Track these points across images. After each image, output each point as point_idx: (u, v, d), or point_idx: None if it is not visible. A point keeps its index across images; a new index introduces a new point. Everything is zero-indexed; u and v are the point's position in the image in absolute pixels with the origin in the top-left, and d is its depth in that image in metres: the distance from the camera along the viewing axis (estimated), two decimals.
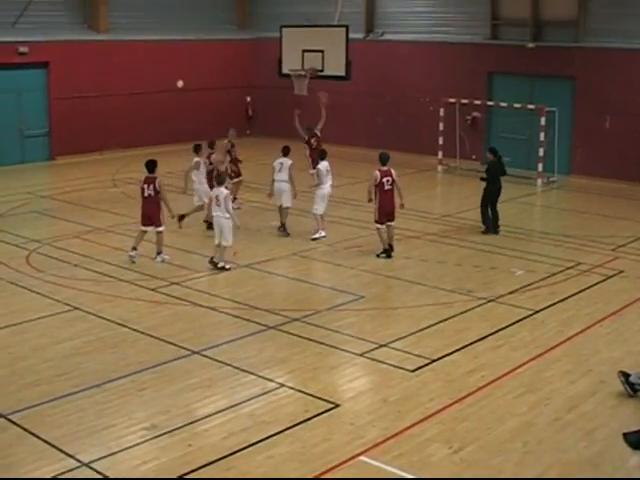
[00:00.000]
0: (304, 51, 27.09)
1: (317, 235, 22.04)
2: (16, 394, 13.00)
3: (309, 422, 12.07)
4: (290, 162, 22.36)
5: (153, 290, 17.96)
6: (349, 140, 34.24)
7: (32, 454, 11.22)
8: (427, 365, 14.12)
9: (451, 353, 14.63)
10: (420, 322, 16.09)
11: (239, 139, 25.87)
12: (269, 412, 12.39)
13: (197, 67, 37.26)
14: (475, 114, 32.64)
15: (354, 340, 15.17)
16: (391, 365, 14.07)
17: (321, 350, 14.77)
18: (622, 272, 19.45)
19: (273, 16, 37.15)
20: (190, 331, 15.62)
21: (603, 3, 29.83)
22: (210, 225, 21.98)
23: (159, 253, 19.99)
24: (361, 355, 14.52)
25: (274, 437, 11.62)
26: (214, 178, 20.40)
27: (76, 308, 16.79)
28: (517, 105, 30.50)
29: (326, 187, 22.09)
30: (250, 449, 11.31)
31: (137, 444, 11.47)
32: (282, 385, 13.32)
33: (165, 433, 11.74)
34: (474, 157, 30.65)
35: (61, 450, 11.26)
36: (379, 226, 20.39)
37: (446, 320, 16.25)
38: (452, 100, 31.91)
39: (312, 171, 23.30)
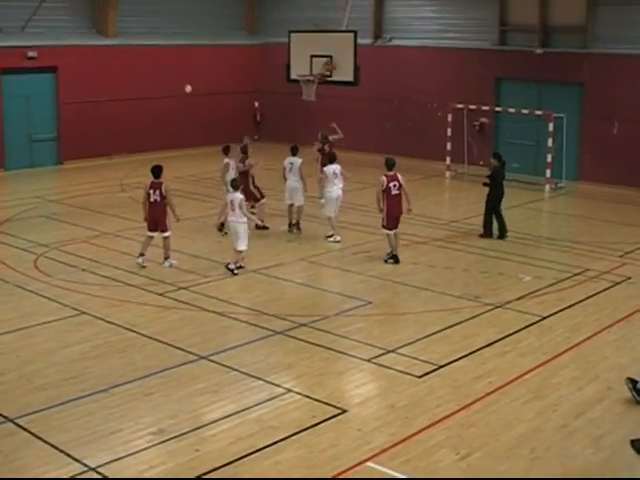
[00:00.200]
0: (312, 56, 27.09)
1: (331, 238, 22.23)
2: (24, 398, 13.01)
3: (316, 428, 12.06)
4: (300, 161, 22.86)
5: (161, 295, 17.97)
6: (357, 145, 34.22)
7: (39, 458, 11.22)
8: (434, 371, 14.10)
9: (458, 359, 14.62)
10: (427, 328, 16.08)
11: (252, 144, 25.85)
12: (276, 417, 12.39)
13: (205, 72, 37.27)
14: (483, 120, 32.61)
15: (362, 346, 15.17)
16: (398, 371, 14.06)
17: (328, 355, 14.77)
18: (630, 278, 19.42)
19: (281, 21, 37.17)
20: (198, 336, 15.63)
21: (611, 9, 29.81)
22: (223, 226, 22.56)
23: (167, 258, 20.00)
24: (368, 361, 14.51)
25: (281, 442, 11.61)
26: (229, 183, 20.35)
27: (84, 312, 16.82)
28: (525, 111, 30.49)
29: (334, 190, 22.13)
30: (257, 454, 11.30)
31: (144, 449, 11.47)
32: (289, 390, 13.32)
33: (172, 438, 11.74)
34: (482, 163, 30.55)
35: (68, 454, 11.26)
36: (388, 232, 20.37)
37: (453, 326, 16.24)
38: (460, 106, 31.91)
39: (321, 175, 23.36)
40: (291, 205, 23.22)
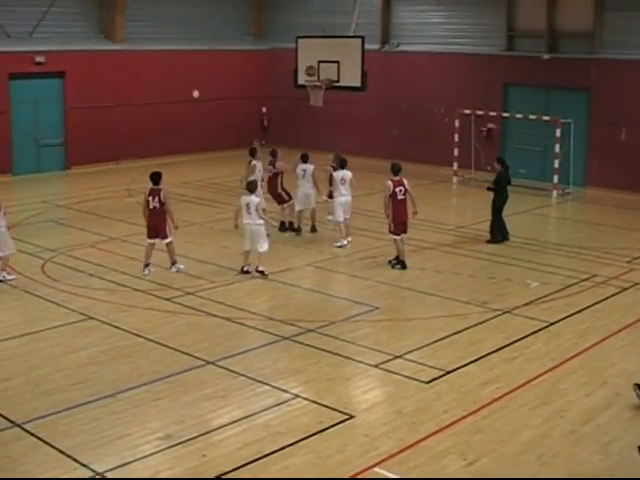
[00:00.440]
0: (320, 62, 27.11)
1: (339, 243, 22.25)
2: (31, 403, 13.01)
3: (324, 433, 12.04)
4: (313, 167, 23.24)
5: (168, 300, 17.97)
6: (364, 151, 34.24)
7: (46, 463, 11.21)
8: (442, 377, 14.08)
9: (466, 365, 14.59)
10: (435, 333, 16.05)
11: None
12: (283, 423, 12.37)
13: (213, 77, 37.34)
14: (490, 125, 32.60)
15: (369, 351, 15.15)
16: (406, 376, 14.04)
17: (336, 361, 14.75)
18: (637, 284, 19.38)
19: (289, 27, 37.23)
20: (205, 341, 15.62)
21: (619, 15, 29.79)
22: (283, 226, 23.28)
23: (173, 263, 19.98)
24: (376, 366, 14.49)
25: (288, 448, 11.59)
26: (246, 186, 20.33)
27: (91, 317, 16.82)
28: (532, 116, 30.48)
29: (340, 196, 22.22)
30: (264, 460, 11.28)
31: (151, 454, 11.46)
32: (297, 396, 13.30)
33: (179, 443, 11.72)
34: (489, 168, 30.46)
35: (75, 459, 11.25)
36: (395, 237, 20.36)
37: (461, 332, 16.21)
38: (467, 111, 31.90)
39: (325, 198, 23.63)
40: (301, 211, 23.45)
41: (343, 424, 12.36)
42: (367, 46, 27.14)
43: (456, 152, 32.12)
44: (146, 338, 15.74)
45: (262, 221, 19.48)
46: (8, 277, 19.16)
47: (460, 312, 17.36)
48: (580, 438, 12.04)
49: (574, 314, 17.32)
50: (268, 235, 21.08)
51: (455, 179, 32.05)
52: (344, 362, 14.73)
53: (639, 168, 29.52)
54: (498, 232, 22.84)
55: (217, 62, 37.66)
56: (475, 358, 14.87)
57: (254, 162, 23.27)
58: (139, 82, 35.26)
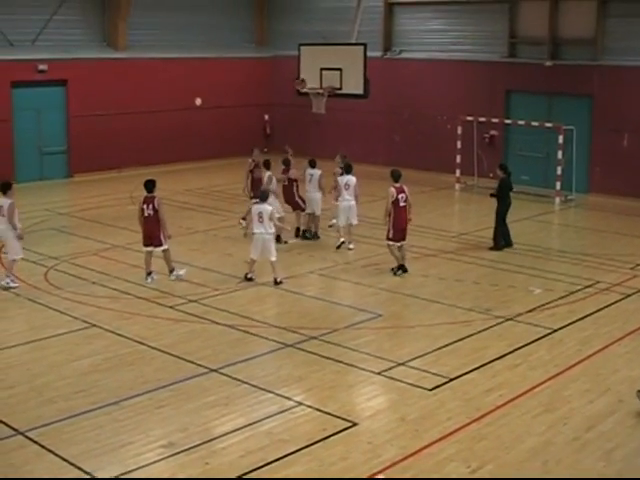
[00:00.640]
0: (322, 69, 27.13)
1: (339, 242, 22.63)
2: (34, 411, 13.01)
3: (327, 441, 12.03)
4: (319, 172, 23.59)
5: (171, 307, 17.97)
6: (367, 158, 34.22)
7: (50, 471, 11.21)
8: (445, 384, 14.07)
9: (469, 372, 14.58)
10: (438, 341, 16.04)
11: (262, 155, 25.92)
12: (286, 430, 12.36)
13: (215, 85, 37.38)
14: (493, 132, 32.62)
15: (372, 358, 15.14)
16: (409, 384, 14.03)
17: (339, 368, 14.74)
18: None
19: (291, 34, 37.30)
20: (208, 349, 15.62)
21: (621, 21, 29.82)
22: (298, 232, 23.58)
23: (171, 271, 19.91)
24: (379, 373, 14.48)
25: (292, 456, 11.58)
26: (259, 195, 20.31)
27: (94, 325, 16.82)
28: (535, 123, 30.51)
29: (343, 201, 22.44)
30: (267, 468, 11.27)
31: (154, 462, 11.45)
32: (300, 403, 13.29)
33: (182, 451, 11.71)
34: (492, 175, 30.47)
35: (79, 467, 11.25)
36: (392, 243, 20.35)
37: (464, 339, 16.20)
38: (470, 118, 31.94)
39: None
40: (313, 214, 23.83)
41: (346, 431, 12.35)
42: (369, 53, 27.12)
43: (458, 159, 32.14)
44: (149, 346, 15.73)
45: (273, 230, 19.49)
46: (12, 284, 19.19)
47: (463, 319, 17.35)
48: (584, 445, 12.02)
49: (577, 321, 17.31)
50: (286, 242, 21.15)
51: (458, 186, 32.06)
52: (347, 369, 14.72)
53: None
54: (501, 239, 22.85)
55: (219, 70, 37.70)
56: (478, 365, 14.86)
57: (269, 173, 23.29)
58: (142, 90, 35.30)
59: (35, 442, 11.97)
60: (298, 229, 23.97)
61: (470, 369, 14.68)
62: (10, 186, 19.65)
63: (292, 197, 23.77)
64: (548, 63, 31.20)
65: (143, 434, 12.22)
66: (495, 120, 31.66)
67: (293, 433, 12.26)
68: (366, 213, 24.80)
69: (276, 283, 19.48)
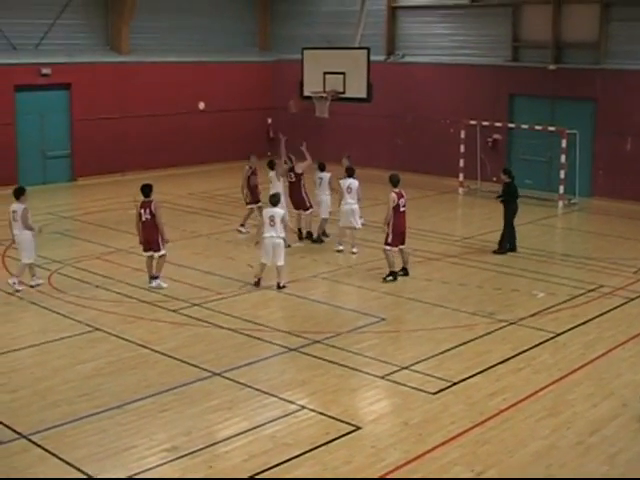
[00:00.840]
0: (325, 73, 27.15)
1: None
2: (37, 415, 13.02)
3: (330, 444, 12.02)
4: (329, 175, 23.79)
5: (174, 311, 17.97)
6: (370, 162, 34.20)
7: (53, 475, 11.21)
8: (448, 388, 14.06)
9: (472, 376, 14.57)
10: (441, 344, 16.03)
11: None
12: (290, 434, 12.35)
13: (219, 89, 37.42)
14: (496, 136, 32.60)
15: (375, 362, 15.13)
16: (412, 388, 14.02)
17: (342, 372, 14.73)
18: None
19: (294, 38, 37.30)
20: (211, 353, 15.61)
21: (624, 25, 29.80)
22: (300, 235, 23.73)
23: (155, 277, 19.63)
24: (382, 377, 14.47)
25: (295, 459, 11.57)
26: (269, 199, 20.31)
27: (97, 329, 16.83)
28: (538, 127, 30.50)
29: (345, 204, 22.59)
30: (271, 471, 11.27)
31: (158, 465, 11.45)
32: (303, 407, 13.28)
33: (186, 455, 11.71)
34: (495, 179, 30.49)
35: (82, 471, 11.25)
36: (391, 248, 20.31)
37: (467, 343, 16.19)
38: (473, 122, 31.91)
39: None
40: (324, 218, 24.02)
41: (350, 435, 12.34)
42: (372, 57, 27.17)
43: (462, 163, 32.10)
44: (152, 349, 15.74)
45: (284, 234, 19.49)
46: (18, 287, 19.22)
47: (466, 323, 17.34)
48: (587, 449, 12.01)
49: (581, 325, 17.29)
50: (289, 245, 21.15)
51: (461, 190, 32.03)
52: (351, 373, 14.72)
53: None
54: (507, 243, 22.82)
55: (223, 74, 37.73)
56: (482, 369, 14.85)
57: (271, 174, 23.41)
58: (145, 94, 35.32)
59: (38, 446, 11.97)
60: (300, 231, 23.99)
61: (473, 373, 14.67)
62: (24, 191, 19.87)
63: (299, 194, 23.72)
64: (551, 67, 31.21)
65: (146, 438, 12.22)
66: (498, 124, 31.64)
67: (296, 437, 12.26)
68: (369, 217, 24.79)
69: (279, 287, 19.46)
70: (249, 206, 24.86)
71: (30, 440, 12.14)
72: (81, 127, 33.60)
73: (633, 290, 19.66)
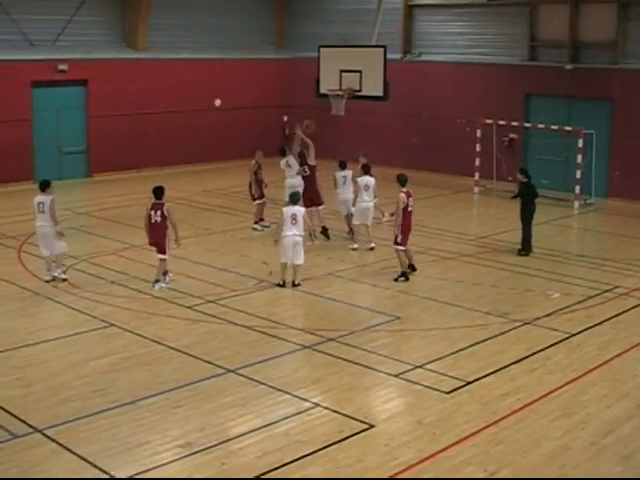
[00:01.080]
0: (342, 71, 27.14)
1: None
2: (52, 409, 13.06)
3: (343, 442, 12.02)
4: (351, 172, 23.83)
5: (189, 308, 18.00)
6: (385, 160, 34.10)
7: (67, 469, 11.25)
8: (462, 387, 14.04)
9: (487, 375, 14.54)
10: (456, 344, 16.01)
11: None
12: (303, 432, 12.36)
13: (235, 86, 37.42)
14: (512, 135, 32.52)
15: (389, 361, 15.13)
16: (426, 387, 14.01)
17: (356, 370, 14.73)
18: None
19: (310, 36, 37.31)
20: (225, 349, 15.63)
21: None
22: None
23: (157, 281, 19.45)
24: (396, 376, 14.46)
25: (308, 457, 11.58)
26: (289, 197, 20.31)
27: (112, 325, 16.87)
28: (554, 127, 30.40)
29: (362, 201, 22.78)
30: (284, 469, 11.27)
31: (171, 461, 11.48)
32: (317, 405, 13.29)
33: (199, 451, 11.73)
34: (510, 179, 30.42)
35: (96, 466, 11.28)
36: (403, 248, 20.31)
37: (482, 342, 16.16)
38: (489, 121, 31.84)
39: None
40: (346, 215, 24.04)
41: (363, 434, 12.34)
42: (389, 56, 27.12)
43: (477, 162, 32.03)
44: (167, 346, 15.77)
45: (304, 233, 19.45)
46: (64, 275, 19.70)
47: (481, 322, 17.31)
48: (601, 450, 11.98)
49: (595, 325, 17.24)
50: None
51: (476, 189, 31.96)
52: (364, 371, 14.72)
53: None
54: (528, 243, 22.72)
55: (239, 71, 37.77)
56: (496, 369, 14.83)
57: (285, 159, 23.68)
58: (161, 90, 35.38)
59: (52, 440, 12.02)
60: (325, 228, 24.11)
61: (487, 373, 14.65)
62: (49, 184, 20.03)
63: (314, 188, 23.66)
64: (568, 66, 31.10)
65: (160, 434, 12.25)
66: (515, 123, 31.56)
67: (310, 434, 12.26)
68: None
69: (294, 285, 19.45)
70: (257, 201, 24.93)
71: (44, 434, 12.18)
72: (97, 123, 33.69)
73: None
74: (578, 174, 29.54)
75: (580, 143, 29.39)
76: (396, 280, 20.14)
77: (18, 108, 31.59)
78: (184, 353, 15.40)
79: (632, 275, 20.92)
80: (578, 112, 31.09)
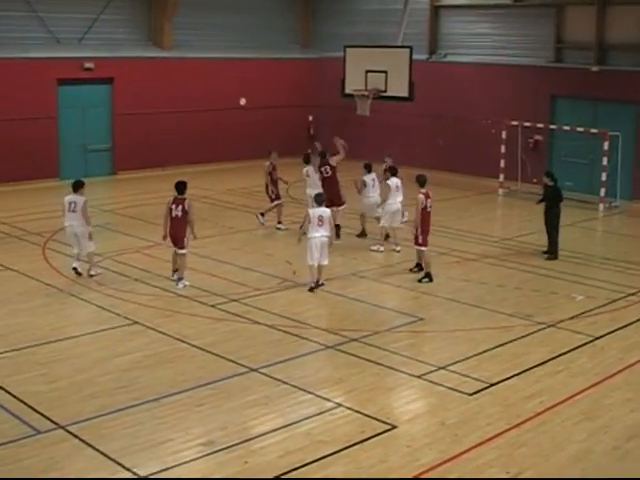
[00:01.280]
0: (367, 71, 27.14)
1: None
2: (75, 406, 13.12)
3: (365, 443, 12.01)
4: (375, 175, 23.84)
5: (212, 306, 18.04)
6: (410, 161, 33.99)
7: (89, 465, 11.31)
8: (485, 389, 14.01)
9: (510, 377, 14.50)
10: (479, 346, 15.98)
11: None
12: (325, 432, 12.36)
13: (260, 85, 37.50)
14: (537, 137, 32.43)
15: (412, 362, 15.11)
16: (449, 388, 13.99)
17: (379, 371, 14.73)
18: None
19: (336, 36, 37.33)
20: (248, 348, 15.65)
21: None
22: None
23: (180, 279, 19.51)
24: (419, 377, 14.44)
25: (330, 457, 11.57)
26: (313, 197, 20.28)
27: (135, 322, 16.93)
28: (580, 129, 30.28)
29: (394, 203, 22.51)
30: (305, 468, 11.28)
31: (193, 459, 11.51)
32: (339, 405, 13.29)
33: (221, 449, 11.75)
34: (535, 180, 30.34)
35: (118, 463, 11.32)
36: (424, 248, 20.29)
37: (505, 344, 16.11)
38: (514, 123, 31.76)
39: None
40: (363, 215, 24.14)
41: (385, 434, 12.33)
42: (414, 56, 27.12)
43: (502, 164, 31.95)
44: (190, 344, 15.81)
45: (330, 234, 19.47)
46: (98, 271, 20.07)
47: (504, 324, 17.26)
48: (624, 454, 11.93)
49: (619, 329, 17.16)
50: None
51: (501, 191, 31.88)
52: (387, 372, 14.71)
53: None
54: (554, 246, 22.61)
55: (264, 70, 37.82)
56: (519, 371, 14.78)
57: (305, 168, 23.58)
58: (186, 89, 35.47)
59: (75, 436, 12.07)
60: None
61: (511, 375, 14.61)
62: (83, 184, 20.25)
63: (335, 189, 23.50)
64: (594, 68, 30.98)
65: (183, 432, 12.28)
66: (540, 125, 31.47)
67: (332, 435, 12.26)
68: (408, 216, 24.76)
69: (317, 285, 19.44)
70: (275, 202, 25.01)
71: (67, 430, 12.23)
72: (122, 121, 33.82)
73: None
74: (603, 176, 29.42)
75: (606, 145, 29.28)
76: (420, 281, 20.11)
77: (44, 106, 31.76)
78: (207, 351, 15.43)
79: None
80: (604, 114, 30.98)
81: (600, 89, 30.84)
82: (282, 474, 11.08)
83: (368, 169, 23.82)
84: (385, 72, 26.80)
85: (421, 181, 20.49)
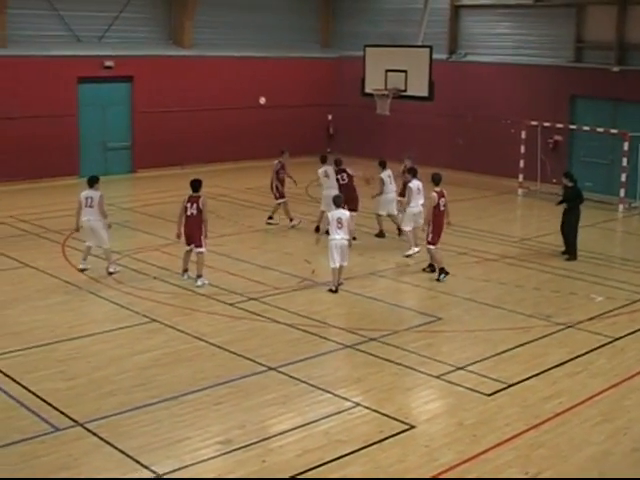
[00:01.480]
0: (387, 71, 27.11)
1: (410, 252, 22.27)
2: (93, 403, 13.15)
3: (383, 443, 11.99)
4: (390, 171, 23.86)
5: (231, 305, 18.05)
6: (429, 161, 33.88)
7: (107, 463, 11.33)
8: (504, 389, 13.96)
9: (528, 378, 14.46)
10: (498, 346, 15.93)
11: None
12: (344, 431, 12.34)
13: (279, 84, 37.52)
14: (557, 137, 32.32)
15: (431, 362, 15.08)
16: (467, 388, 13.95)
17: (397, 371, 14.70)
18: None
19: (356, 35, 37.34)
20: (267, 347, 15.66)
21: None
22: None
23: (199, 276, 19.46)
24: (437, 377, 14.41)
25: (348, 457, 11.56)
26: (332, 199, 20.20)
27: (154, 320, 16.96)
28: (600, 129, 30.16)
29: (416, 206, 22.32)
30: (324, 468, 11.27)
31: (212, 458, 11.52)
32: (357, 404, 13.27)
33: (240, 448, 11.75)
34: (555, 181, 30.22)
35: (136, 461, 11.34)
36: (432, 247, 20.23)
37: (524, 345, 16.07)
38: (534, 123, 31.66)
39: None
40: (380, 216, 24.06)
41: (403, 434, 12.31)
42: (434, 56, 27.09)
43: (522, 164, 31.85)
44: (208, 342, 15.82)
45: (349, 235, 19.40)
46: (117, 269, 20.16)
47: (523, 325, 17.21)
48: None
49: (639, 330, 17.08)
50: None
51: (520, 191, 31.79)
52: (406, 372, 14.68)
53: None
54: (573, 247, 22.51)
55: (284, 69, 37.83)
56: (538, 372, 14.73)
57: (324, 168, 23.65)
58: (206, 88, 35.53)
59: (94, 434, 12.09)
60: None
61: (529, 375, 14.56)
62: (98, 180, 20.48)
63: (353, 194, 23.39)
64: (615, 69, 30.86)
65: (201, 430, 12.29)
66: (560, 125, 31.37)
67: (350, 434, 12.25)
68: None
69: (338, 288, 19.37)
70: (279, 201, 25.00)
71: (86, 428, 12.26)
72: (142, 120, 33.89)
73: None
74: (623, 177, 29.30)
75: (626, 146, 29.14)
76: (438, 280, 20.08)
77: (64, 104, 31.87)
78: (225, 350, 15.44)
79: None
80: (624, 115, 30.85)
81: (620, 89, 30.72)
82: (300, 473, 11.07)
83: (383, 166, 23.79)
84: (405, 71, 26.80)
85: (436, 180, 20.44)
